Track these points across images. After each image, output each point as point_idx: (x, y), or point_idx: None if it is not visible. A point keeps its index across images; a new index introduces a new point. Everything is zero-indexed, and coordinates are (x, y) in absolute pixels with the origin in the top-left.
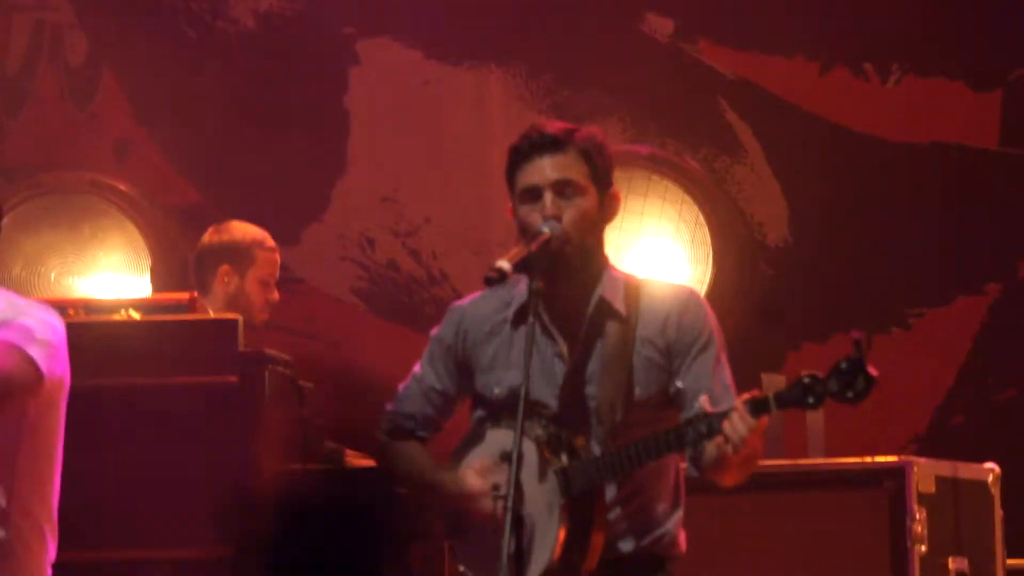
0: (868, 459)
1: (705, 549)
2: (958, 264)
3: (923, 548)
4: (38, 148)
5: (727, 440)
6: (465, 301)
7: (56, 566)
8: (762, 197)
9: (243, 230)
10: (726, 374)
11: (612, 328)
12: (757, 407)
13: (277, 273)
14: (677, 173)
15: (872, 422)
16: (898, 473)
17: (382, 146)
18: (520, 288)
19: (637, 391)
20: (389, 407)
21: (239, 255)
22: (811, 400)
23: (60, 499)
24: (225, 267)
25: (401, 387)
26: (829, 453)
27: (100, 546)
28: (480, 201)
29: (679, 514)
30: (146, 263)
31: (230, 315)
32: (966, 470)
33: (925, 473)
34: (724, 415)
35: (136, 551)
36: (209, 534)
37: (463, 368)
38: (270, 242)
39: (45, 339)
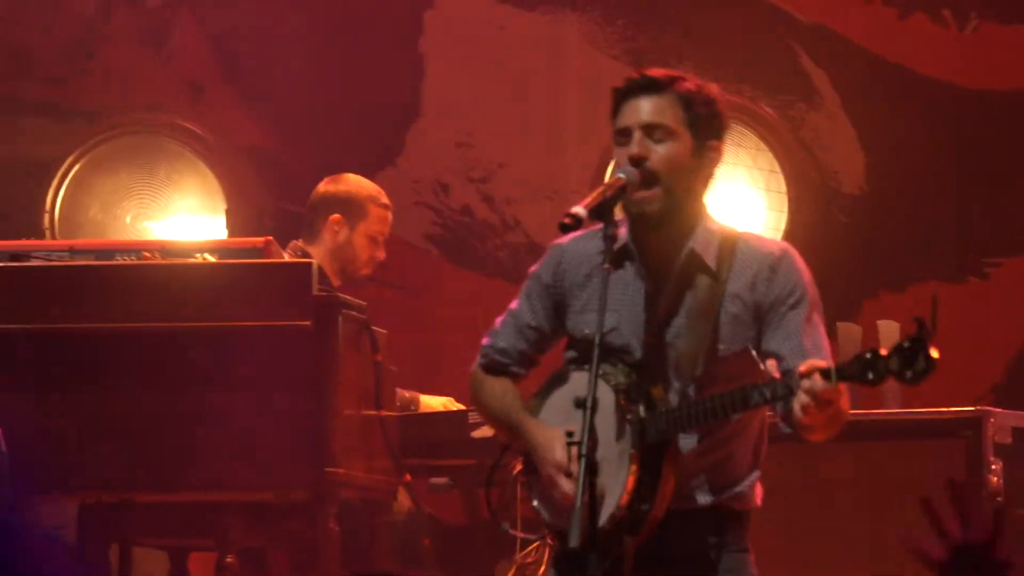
0: (945, 410)
1: (781, 497)
2: None
3: (999, 499)
4: (115, 90)
5: (800, 406)
6: (566, 239)
7: (132, 507)
8: (838, 144)
9: (359, 183)
10: (818, 333)
11: (702, 281)
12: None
13: (388, 231)
14: (752, 120)
15: (949, 373)
16: (975, 424)
17: (456, 91)
18: (623, 230)
19: (721, 347)
20: (485, 340)
21: (352, 207)
22: (871, 376)
23: (133, 441)
24: (337, 216)
25: (498, 321)
26: (906, 403)
27: (175, 489)
28: (554, 147)
29: (757, 472)
30: (221, 206)
31: (304, 260)
32: None
33: (1001, 424)
34: (788, 383)
35: (210, 494)
36: (283, 478)
37: (559, 307)
38: (384, 199)
39: None
